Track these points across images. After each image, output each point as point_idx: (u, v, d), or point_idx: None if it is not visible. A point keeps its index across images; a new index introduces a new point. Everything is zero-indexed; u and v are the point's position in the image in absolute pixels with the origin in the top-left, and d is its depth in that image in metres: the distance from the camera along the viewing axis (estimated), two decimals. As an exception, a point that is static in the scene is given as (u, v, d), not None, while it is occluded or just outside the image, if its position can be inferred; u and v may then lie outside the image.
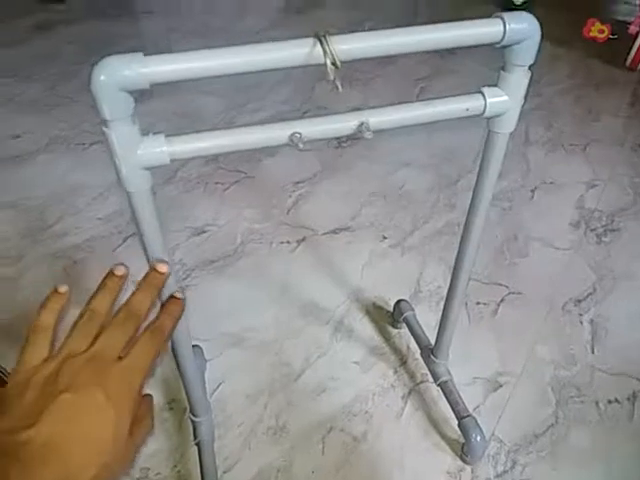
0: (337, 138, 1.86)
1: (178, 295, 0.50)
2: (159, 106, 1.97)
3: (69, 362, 0.39)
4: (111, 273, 0.47)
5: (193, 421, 1.00)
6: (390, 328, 1.29)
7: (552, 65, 2.28)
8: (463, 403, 1.07)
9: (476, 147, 1.77)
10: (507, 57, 0.62)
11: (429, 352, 1.12)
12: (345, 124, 0.61)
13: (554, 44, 2.40)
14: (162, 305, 0.49)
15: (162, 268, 0.50)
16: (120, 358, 0.41)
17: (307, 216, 1.59)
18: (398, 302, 1.26)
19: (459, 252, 0.91)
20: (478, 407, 1.15)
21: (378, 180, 1.71)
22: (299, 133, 0.58)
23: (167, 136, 0.55)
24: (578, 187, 1.69)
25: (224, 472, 1.04)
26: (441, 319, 1.03)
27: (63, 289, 0.46)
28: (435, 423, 1.12)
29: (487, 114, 0.66)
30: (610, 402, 1.16)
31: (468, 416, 1.05)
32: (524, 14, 0.59)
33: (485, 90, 0.65)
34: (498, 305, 1.35)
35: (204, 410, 1.00)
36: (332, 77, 0.50)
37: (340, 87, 0.51)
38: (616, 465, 1.06)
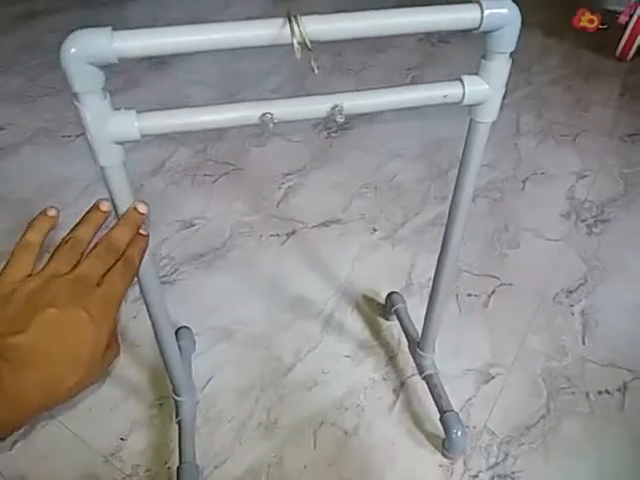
0: (328, 128, 1.84)
1: (142, 232, 0.52)
2: (145, 96, 1.94)
3: (53, 281, 0.42)
4: (96, 207, 0.51)
5: (175, 400, 1.01)
6: (382, 321, 1.29)
7: (542, 55, 2.27)
8: (446, 397, 1.07)
9: (464, 137, 1.76)
10: (487, 44, 0.61)
11: (416, 345, 1.11)
12: (318, 106, 0.60)
13: (544, 34, 2.39)
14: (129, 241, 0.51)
15: (142, 208, 0.53)
16: (98, 285, 0.44)
17: (297, 208, 1.57)
18: (390, 294, 1.26)
19: (443, 244, 0.90)
20: (470, 399, 1.14)
21: (369, 171, 1.70)
22: (270, 113, 0.57)
23: (139, 112, 0.56)
24: (568, 178, 1.69)
25: (215, 467, 1.03)
26: (426, 312, 1.03)
27: (52, 212, 0.49)
28: (427, 416, 1.11)
29: (466, 102, 0.64)
30: (600, 393, 1.16)
31: (450, 411, 1.04)
32: (504, 0, 0.57)
33: (464, 78, 0.63)
34: (489, 296, 1.34)
35: (186, 390, 1.01)
36: (298, 56, 0.49)
37: (316, 69, 0.49)
38: (607, 455, 1.07)
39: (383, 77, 2.08)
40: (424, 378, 1.11)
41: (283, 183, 1.66)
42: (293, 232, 1.51)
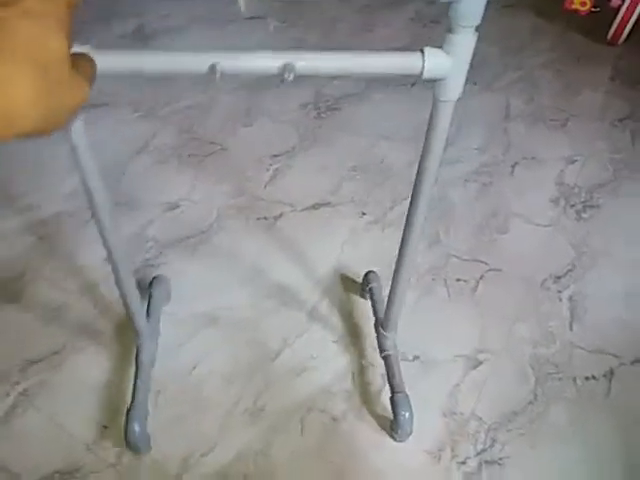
0: (317, 111, 1.80)
1: None
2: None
3: None
4: None
5: (137, 343, 1.06)
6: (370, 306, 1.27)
7: (533, 37, 2.24)
8: (400, 379, 1.07)
9: (453, 120, 1.74)
10: (452, 17, 0.58)
11: (379, 325, 1.11)
12: (269, 62, 0.59)
13: (535, 15, 2.35)
14: None
15: None
16: None
17: (285, 191, 1.54)
18: (367, 273, 1.25)
19: (406, 226, 0.88)
20: (458, 385, 1.14)
21: (358, 153, 1.67)
22: (219, 64, 0.57)
23: (93, 48, 0.56)
24: (558, 163, 1.68)
25: (201, 455, 1.01)
26: (389, 292, 1.01)
27: None
28: (416, 399, 1.10)
29: (426, 75, 0.61)
30: (587, 379, 1.16)
31: (401, 392, 1.04)
32: None
33: (426, 49, 0.61)
34: (478, 282, 1.34)
35: (147, 333, 1.06)
36: (243, 9, 0.48)
37: (243, 7, 0.48)
38: (593, 441, 1.07)
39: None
40: (383, 357, 1.10)
41: (271, 164, 1.63)
42: (281, 215, 1.48)
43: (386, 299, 1.18)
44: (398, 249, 0.93)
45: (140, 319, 1.03)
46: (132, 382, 1.03)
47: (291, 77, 0.57)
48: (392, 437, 1.05)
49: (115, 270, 0.90)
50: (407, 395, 1.04)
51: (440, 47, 0.61)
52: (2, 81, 0.29)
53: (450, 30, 0.59)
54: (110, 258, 0.88)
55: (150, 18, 2.22)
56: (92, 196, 0.78)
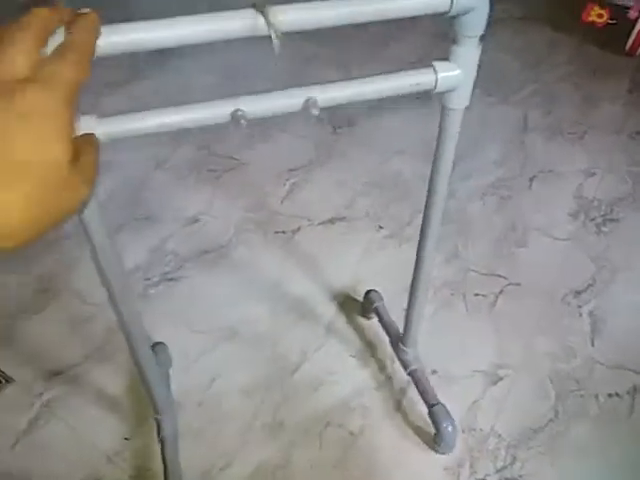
0: (333, 126, 1.82)
1: (85, 10, 0.38)
2: (148, 88, 1.91)
3: None
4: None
5: (156, 419, 1.00)
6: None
7: (550, 50, 2.24)
8: (432, 391, 1.06)
9: (471, 133, 1.74)
10: (457, 28, 0.59)
11: (399, 340, 1.10)
12: (291, 101, 0.58)
13: (552, 29, 2.35)
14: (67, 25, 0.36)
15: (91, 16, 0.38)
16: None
17: (302, 205, 1.56)
18: (368, 293, 1.24)
19: (421, 239, 0.90)
20: (477, 401, 1.13)
21: (374, 168, 1.68)
22: (241, 110, 0.56)
23: (99, 117, 0.53)
24: (577, 176, 1.67)
25: (220, 469, 1.02)
26: (408, 307, 1.01)
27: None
28: (434, 417, 1.10)
29: (439, 89, 0.63)
30: (610, 396, 1.15)
31: (437, 404, 1.03)
32: None
33: (436, 64, 0.62)
34: (497, 297, 1.33)
35: (167, 407, 1.00)
36: (277, 50, 0.48)
37: (277, 49, 0.49)
38: (616, 460, 1.06)
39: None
40: (409, 374, 1.10)
41: (288, 179, 1.64)
42: (298, 229, 1.49)
43: (394, 315, 1.19)
44: (414, 263, 0.94)
45: (160, 397, 0.98)
46: (160, 459, 1.00)
47: (317, 111, 0.57)
48: (435, 450, 1.05)
49: (133, 350, 0.87)
50: (444, 405, 1.03)
51: (446, 59, 0.63)
52: None
53: (455, 42, 0.61)
54: (132, 353, 0.87)
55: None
56: (109, 285, 0.75)
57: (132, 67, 2.05)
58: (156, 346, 1.15)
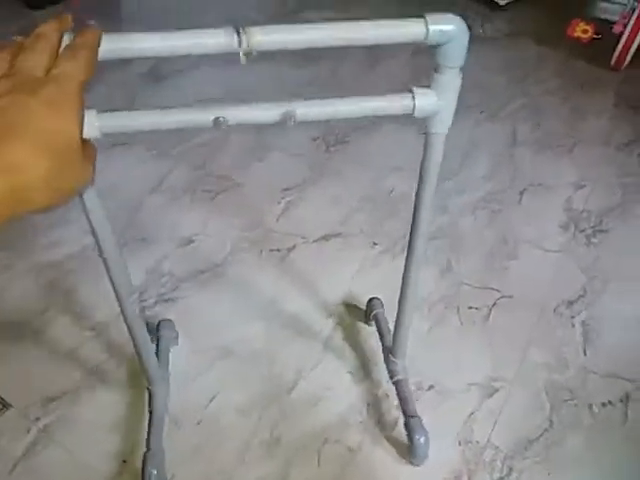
0: (326, 144, 1.84)
1: (90, 22, 0.46)
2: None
3: None
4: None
5: (148, 389, 1.06)
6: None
7: (537, 65, 2.29)
8: (412, 403, 1.08)
9: (461, 149, 1.77)
10: (437, 58, 0.62)
11: (388, 351, 1.12)
12: (270, 112, 0.62)
13: (538, 44, 2.40)
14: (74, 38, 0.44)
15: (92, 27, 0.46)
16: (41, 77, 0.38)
17: (297, 223, 1.58)
18: (370, 300, 1.27)
19: (408, 254, 0.93)
20: (473, 413, 1.15)
21: (367, 184, 1.71)
22: (223, 117, 0.60)
23: (99, 112, 0.59)
24: (566, 188, 1.69)
25: (219, 488, 1.02)
26: (396, 319, 1.04)
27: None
28: (431, 431, 1.11)
29: (417, 114, 0.66)
30: (604, 405, 1.16)
31: (414, 416, 1.05)
32: (450, 16, 0.59)
33: (415, 90, 0.65)
34: (490, 309, 1.34)
35: (158, 379, 1.05)
36: (243, 62, 0.55)
37: (243, 60, 0.55)
38: (610, 468, 1.07)
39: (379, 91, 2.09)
40: (394, 383, 1.11)
41: (283, 198, 1.66)
42: (293, 247, 1.51)
43: (392, 325, 1.21)
44: (402, 276, 0.96)
45: (151, 367, 1.04)
46: (146, 426, 1.04)
47: (293, 123, 0.62)
48: (410, 462, 1.06)
49: (130, 330, 0.94)
50: (420, 419, 1.05)
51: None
52: (20, 163, 0.32)
53: (437, 70, 0.64)
54: (127, 326, 0.92)
55: (163, 59, 2.30)
56: (103, 252, 0.84)
57: (128, 95, 2.08)
58: (162, 322, 1.22)
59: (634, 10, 2.11)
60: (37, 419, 1.14)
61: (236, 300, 1.37)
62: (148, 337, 1.00)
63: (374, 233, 1.55)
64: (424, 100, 0.65)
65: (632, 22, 2.11)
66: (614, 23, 2.22)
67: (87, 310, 1.34)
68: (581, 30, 2.26)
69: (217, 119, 0.61)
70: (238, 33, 0.53)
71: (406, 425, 1.05)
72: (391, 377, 1.11)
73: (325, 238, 1.53)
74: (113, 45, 0.53)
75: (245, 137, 1.88)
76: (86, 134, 0.54)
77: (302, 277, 1.42)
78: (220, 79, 2.14)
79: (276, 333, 1.29)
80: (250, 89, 2.08)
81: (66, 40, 0.42)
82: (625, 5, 2.28)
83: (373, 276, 1.43)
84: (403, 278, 0.95)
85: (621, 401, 1.16)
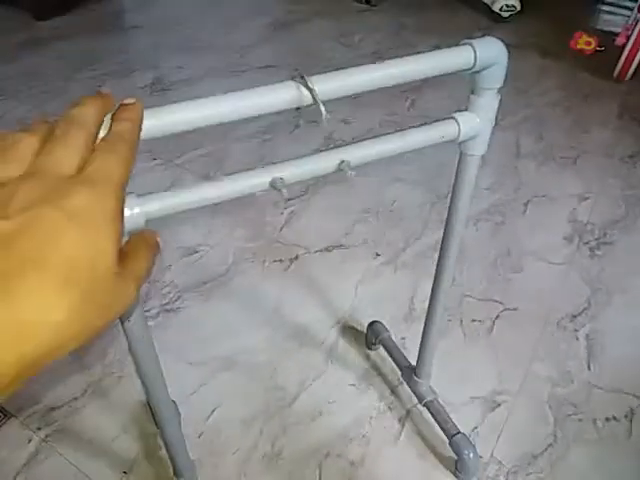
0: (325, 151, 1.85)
1: (130, 100, 0.37)
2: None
3: None
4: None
5: None
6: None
7: (540, 77, 2.29)
8: (451, 421, 1.07)
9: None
10: (477, 81, 0.63)
11: (411, 372, 1.11)
12: (326, 164, 0.60)
13: (541, 56, 2.41)
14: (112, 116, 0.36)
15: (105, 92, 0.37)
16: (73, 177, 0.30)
17: (300, 233, 1.58)
18: (371, 324, 1.25)
19: (437, 272, 0.91)
20: (476, 428, 1.14)
21: (370, 196, 1.71)
22: (281, 178, 0.57)
23: (139, 195, 0.52)
24: (570, 200, 1.69)
25: (219, 502, 1.02)
26: (422, 338, 1.03)
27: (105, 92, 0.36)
28: (434, 445, 1.10)
29: (461, 139, 0.66)
30: (608, 420, 1.15)
31: (458, 433, 1.04)
32: (492, 40, 0.59)
33: (457, 115, 0.65)
34: (493, 322, 1.34)
35: (187, 469, 0.97)
36: (325, 119, 0.49)
37: (326, 122, 0.50)
38: (616, 484, 1.06)
39: (382, 101, 2.10)
40: (425, 405, 1.10)
41: (285, 208, 1.67)
42: (296, 258, 1.51)
43: (403, 338, 1.20)
44: (430, 296, 0.95)
45: (182, 461, 0.96)
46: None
47: (354, 173, 0.59)
48: (457, 477, 1.05)
49: (160, 419, 0.86)
50: (465, 435, 1.04)
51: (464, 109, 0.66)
52: (38, 309, 0.25)
53: (474, 92, 0.64)
54: (161, 428, 0.87)
55: (167, 70, 2.32)
56: (143, 375, 0.77)
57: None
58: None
59: (637, 22, 2.12)
60: (38, 429, 1.14)
61: (239, 311, 1.36)
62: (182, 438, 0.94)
63: (377, 244, 1.55)
64: (468, 125, 0.65)
65: (635, 34, 2.12)
66: (617, 35, 2.23)
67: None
68: (584, 42, 2.26)
69: (274, 180, 0.57)
70: (307, 87, 0.49)
71: (452, 443, 1.04)
72: (420, 400, 1.10)
73: (328, 249, 1.53)
74: (159, 121, 0.45)
75: (248, 147, 1.89)
76: (127, 227, 0.44)
77: (305, 288, 1.42)
78: (224, 89, 2.15)
79: (278, 344, 1.28)
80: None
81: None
82: (628, 17, 2.29)
83: (376, 287, 1.43)
84: (431, 299, 0.95)
85: (625, 416, 1.15)
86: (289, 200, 1.70)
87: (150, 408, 0.84)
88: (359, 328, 1.32)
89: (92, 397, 1.19)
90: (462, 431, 1.04)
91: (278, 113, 0.52)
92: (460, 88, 0.66)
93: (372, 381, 1.21)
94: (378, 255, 1.51)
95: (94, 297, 0.27)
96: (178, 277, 1.45)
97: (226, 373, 1.22)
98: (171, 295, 1.40)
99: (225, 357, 1.25)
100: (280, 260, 1.50)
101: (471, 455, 1.02)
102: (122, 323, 0.65)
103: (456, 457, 1.04)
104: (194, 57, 2.40)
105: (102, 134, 0.33)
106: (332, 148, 0.61)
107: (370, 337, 1.25)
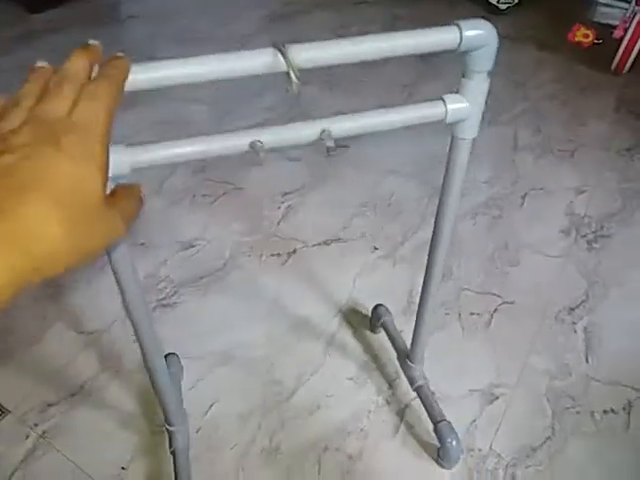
0: (326, 148, 1.84)
1: (119, 54, 0.43)
2: (143, 115, 1.94)
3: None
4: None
5: (168, 430, 1.00)
6: (384, 341, 1.28)
7: (538, 69, 2.28)
8: (438, 407, 1.07)
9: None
10: (466, 63, 0.62)
11: (405, 357, 1.11)
12: (307, 132, 0.61)
13: (538, 49, 2.40)
14: (100, 66, 0.41)
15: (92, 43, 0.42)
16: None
17: (297, 227, 1.57)
18: (376, 307, 1.26)
19: (428, 260, 0.91)
20: (475, 421, 1.14)
21: (367, 189, 1.70)
22: (260, 141, 0.59)
23: (127, 145, 0.56)
24: (567, 193, 1.69)
25: (218, 496, 1.01)
26: (415, 323, 1.03)
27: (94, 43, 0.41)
28: (431, 438, 1.10)
29: (449, 120, 0.66)
30: (606, 412, 1.15)
31: (443, 420, 1.05)
32: (481, 21, 0.59)
33: (446, 97, 0.65)
34: (491, 315, 1.34)
35: (178, 418, 0.99)
36: (295, 87, 0.51)
37: (295, 90, 0.51)
38: (613, 476, 1.06)
39: (379, 93, 2.09)
40: (415, 389, 1.11)
41: (283, 202, 1.66)
42: (294, 251, 1.50)
43: (401, 331, 1.20)
44: (422, 282, 0.95)
45: (173, 409, 0.98)
46: (172, 471, 1.00)
47: (332, 143, 0.60)
48: (440, 465, 1.06)
49: (146, 361, 0.88)
50: (450, 422, 1.04)
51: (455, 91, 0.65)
52: (36, 229, 0.29)
53: (465, 75, 0.64)
54: (145, 362, 0.88)
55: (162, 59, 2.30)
56: (130, 310, 0.78)
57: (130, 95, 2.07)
58: (168, 357, 1.15)
59: (635, 15, 2.11)
60: (35, 425, 1.13)
61: (236, 305, 1.36)
62: (170, 384, 0.95)
63: (374, 237, 1.54)
64: (455, 106, 0.64)
65: (633, 27, 2.11)
66: (615, 28, 2.22)
67: (84, 317, 1.33)
68: (582, 35, 2.25)
69: (253, 143, 0.59)
70: (282, 53, 0.51)
71: (436, 430, 1.05)
72: (411, 383, 1.11)
73: (325, 242, 1.53)
74: (144, 75, 0.50)
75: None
76: (115, 172, 0.51)
77: (303, 282, 1.41)
78: (223, 83, 2.13)
79: (276, 338, 1.28)
80: (246, 86, 2.08)
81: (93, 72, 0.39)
82: (626, 10, 2.28)
83: (374, 280, 1.42)
84: (423, 284, 0.95)
85: (623, 409, 1.16)
86: (286, 194, 1.69)
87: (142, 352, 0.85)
88: (357, 322, 1.32)
89: (89, 393, 1.19)
90: (448, 419, 1.05)
91: (272, 109, 0.53)
92: (458, 83, 0.66)
93: (370, 375, 1.21)
94: (376, 249, 1.51)
95: (85, 219, 0.32)
96: (174, 272, 1.44)
97: (223, 368, 1.22)
98: (167, 290, 1.39)
99: (222, 352, 1.25)
100: (278, 254, 1.49)
101: (454, 443, 1.03)
102: (109, 255, 0.68)
103: (439, 444, 1.05)
104: (192, 48, 2.37)
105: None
106: (315, 119, 0.61)
107: (374, 320, 1.26)
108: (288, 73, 0.51)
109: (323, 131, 0.60)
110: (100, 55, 0.41)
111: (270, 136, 0.60)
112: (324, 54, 0.54)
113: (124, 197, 0.38)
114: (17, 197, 0.29)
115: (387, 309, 1.25)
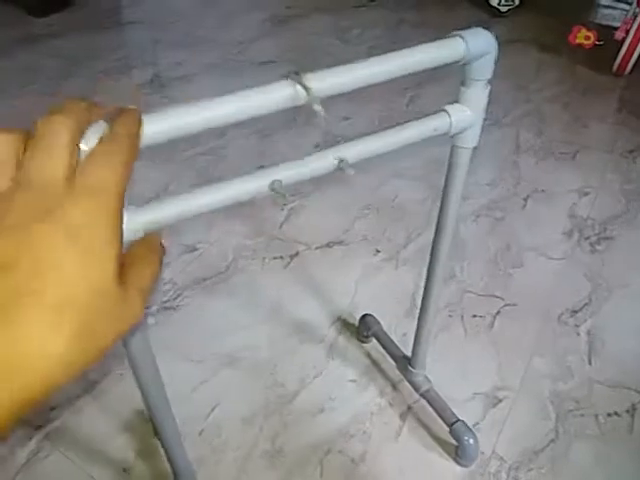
0: (324, 147, 1.84)
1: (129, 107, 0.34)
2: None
3: None
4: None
5: None
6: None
7: (539, 71, 2.29)
8: (449, 409, 1.07)
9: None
10: (467, 73, 0.62)
11: (406, 363, 1.11)
12: (324, 164, 0.60)
13: (540, 51, 2.40)
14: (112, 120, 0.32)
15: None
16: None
17: (300, 230, 1.57)
18: (363, 317, 1.25)
19: (430, 264, 0.91)
20: (478, 424, 1.13)
21: (370, 192, 1.70)
22: (279, 180, 0.57)
23: (137, 207, 0.51)
24: (570, 195, 1.69)
25: (221, 499, 1.01)
26: (417, 328, 1.03)
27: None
28: (435, 439, 1.10)
29: (453, 131, 0.66)
30: (609, 415, 1.15)
31: (457, 421, 1.05)
32: (481, 31, 0.59)
33: (449, 108, 0.65)
34: (494, 318, 1.33)
35: (186, 473, 0.97)
36: (322, 118, 0.49)
37: (324, 124, 0.50)
38: (617, 479, 1.05)
39: (381, 97, 2.09)
40: (422, 395, 1.11)
41: (285, 205, 1.66)
42: (296, 254, 1.50)
43: (395, 338, 1.20)
44: (423, 287, 0.95)
45: (181, 465, 0.95)
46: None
47: (352, 171, 0.59)
48: (458, 463, 1.06)
49: (158, 425, 0.86)
50: (464, 421, 1.05)
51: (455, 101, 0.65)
52: (34, 351, 0.23)
53: (464, 84, 0.64)
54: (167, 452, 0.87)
55: (165, 67, 2.31)
56: (151, 409, 0.77)
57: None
58: None
59: (636, 16, 2.11)
60: (39, 427, 1.14)
61: (239, 308, 1.36)
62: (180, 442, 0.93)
63: (377, 240, 1.54)
64: (459, 116, 0.64)
65: (634, 28, 2.11)
66: (616, 29, 2.22)
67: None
68: (583, 36, 2.26)
69: (273, 183, 0.56)
70: (300, 83, 0.48)
71: (451, 431, 1.05)
72: (416, 390, 1.11)
73: (328, 245, 1.53)
74: (159, 127, 0.43)
75: (247, 144, 1.88)
76: (126, 238, 0.42)
77: (305, 285, 1.41)
78: (223, 85, 2.14)
79: (279, 341, 1.28)
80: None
81: (97, 129, 0.31)
82: (627, 11, 2.28)
83: (376, 283, 1.42)
84: (425, 288, 0.95)
85: (627, 411, 1.15)
86: (289, 197, 1.69)
87: (149, 412, 0.83)
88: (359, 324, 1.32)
89: (93, 395, 1.19)
90: (460, 418, 1.05)
91: (275, 116, 0.52)
92: (458, 84, 0.66)
93: (373, 377, 1.21)
94: (378, 252, 1.51)
95: (96, 322, 0.25)
96: (177, 274, 1.44)
97: (226, 370, 1.22)
98: (171, 292, 1.39)
99: (225, 354, 1.25)
100: (280, 257, 1.50)
101: (471, 441, 1.03)
102: (126, 347, 0.65)
103: (456, 444, 1.05)
104: (193, 53, 2.39)
105: (97, 141, 0.30)
106: (329, 146, 0.61)
107: (362, 330, 1.26)
108: (313, 108, 0.49)
109: (341, 160, 0.59)
110: (101, 117, 0.32)
111: (289, 173, 0.58)
112: (340, 80, 0.53)
113: (140, 265, 0.30)
114: (13, 309, 0.23)
115: (375, 318, 1.24)
